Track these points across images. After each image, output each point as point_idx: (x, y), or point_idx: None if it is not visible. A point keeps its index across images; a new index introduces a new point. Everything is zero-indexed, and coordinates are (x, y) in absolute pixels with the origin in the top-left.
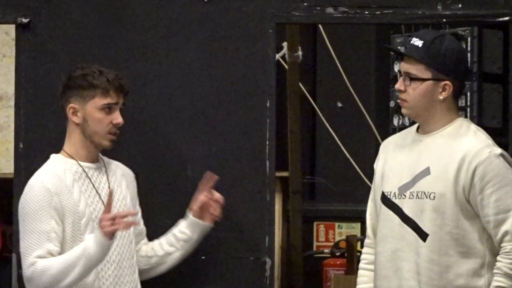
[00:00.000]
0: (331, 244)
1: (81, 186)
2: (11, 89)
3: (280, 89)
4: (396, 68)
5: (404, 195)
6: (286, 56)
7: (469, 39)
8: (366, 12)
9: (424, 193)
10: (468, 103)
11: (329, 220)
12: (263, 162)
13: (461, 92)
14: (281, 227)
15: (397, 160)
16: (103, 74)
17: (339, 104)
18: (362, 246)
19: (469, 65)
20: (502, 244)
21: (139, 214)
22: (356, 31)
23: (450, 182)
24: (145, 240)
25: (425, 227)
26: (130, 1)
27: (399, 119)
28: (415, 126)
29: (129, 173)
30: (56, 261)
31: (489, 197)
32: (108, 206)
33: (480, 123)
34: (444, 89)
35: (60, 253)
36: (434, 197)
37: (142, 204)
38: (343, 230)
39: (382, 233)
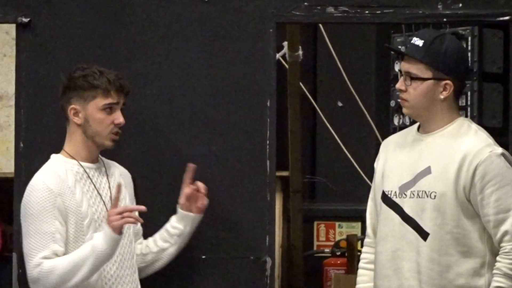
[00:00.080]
0: (332, 243)
1: (83, 186)
2: (11, 89)
3: (280, 88)
4: (396, 67)
5: (405, 194)
6: (287, 55)
7: (469, 38)
8: (367, 12)
9: (425, 192)
10: (469, 103)
11: (329, 220)
12: (263, 161)
13: (461, 92)
14: (281, 227)
15: (397, 160)
16: (103, 75)
17: (340, 104)
18: (362, 246)
19: (469, 64)
20: (502, 244)
21: (136, 213)
22: (357, 30)
23: (451, 182)
24: (141, 239)
25: (426, 226)
26: (130, 1)
27: (400, 118)
28: (416, 125)
29: (126, 173)
30: (63, 261)
31: (489, 196)
32: (116, 200)
33: (480, 123)
34: (444, 89)
35: (64, 254)
36: (435, 196)
37: (142, 204)
38: (344, 230)
39: (383, 233)
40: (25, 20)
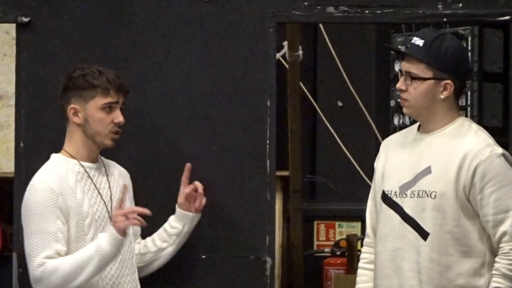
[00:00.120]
0: (332, 243)
1: (84, 186)
2: (11, 88)
3: (280, 88)
4: (396, 67)
5: (405, 194)
6: (287, 55)
7: (469, 38)
8: (367, 12)
9: (425, 192)
10: (469, 103)
11: (329, 219)
12: (263, 161)
13: (462, 92)
14: (281, 226)
15: (398, 159)
16: (102, 74)
17: (340, 103)
18: (362, 245)
19: (470, 64)
20: (501, 245)
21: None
22: (357, 30)
23: (451, 181)
24: (139, 239)
25: (426, 226)
26: (130, 1)
27: (400, 118)
28: (416, 125)
29: (125, 173)
30: (66, 261)
31: (488, 196)
32: (121, 201)
33: (480, 123)
34: (445, 88)
35: (67, 253)
36: (435, 196)
37: (142, 203)
38: (344, 229)
39: (383, 232)
40: (25, 19)
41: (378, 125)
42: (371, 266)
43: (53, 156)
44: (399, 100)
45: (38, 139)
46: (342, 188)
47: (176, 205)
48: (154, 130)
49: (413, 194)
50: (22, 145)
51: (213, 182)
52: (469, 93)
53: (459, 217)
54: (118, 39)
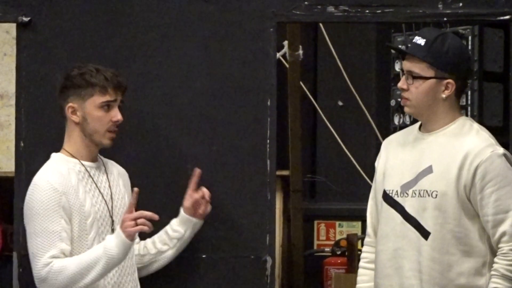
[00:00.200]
0: (332, 242)
1: (85, 186)
2: (12, 88)
3: (280, 88)
4: (396, 67)
5: (407, 194)
6: (287, 55)
7: (469, 38)
8: (367, 11)
9: (426, 191)
10: (469, 102)
11: (329, 219)
12: (263, 161)
13: (463, 91)
14: (281, 226)
15: (399, 159)
16: (100, 72)
17: (340, 103)
18: (363, 245)
19: (471, 63)
20: (500, 245)
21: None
22: (357, 30)
23: (452, 181)
24: (137, 239)
25: (427, 225)
26: (130, 0)
27: (400, 118)
28: (417, 124)
29: (124, 172)
30: (73, 262)
31: (489, 196)
32: (131, 206)
33: (480, 122)
34: (446, 88)
35: (71, 252)
36: (436, 195)
37: (141, 203)
38: (344, 229)
39: (384, 232)
40: (26, 19)
41: (378, 125)
42: (372, 266)
43: (54, 155)
44: (399, 99)
45: (38, 139)
46: (342, 188)
47: (181, 209)
48: (154, 129)
49: (414, 194)
50: (22, 144)
51: (213, 181)
52: (469, 92)
53: (460, 216)
54: (118, 39)
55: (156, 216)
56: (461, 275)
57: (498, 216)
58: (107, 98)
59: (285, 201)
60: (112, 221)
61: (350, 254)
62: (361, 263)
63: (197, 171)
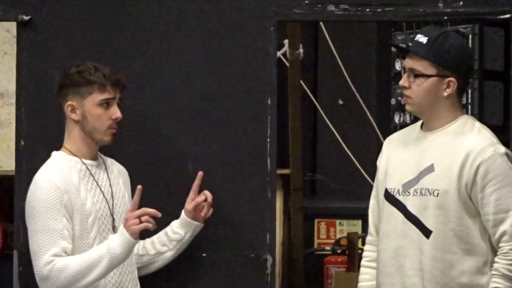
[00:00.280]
0: (332, 241)
1: (86, 184)
2: (12, 87)
3: (281, 86)
4: (397, 65)
5: (408, 192)
6: (287, 53)
7: (470, 36)
8: (367, 10)
9: (428, 190)
10: (469, 101)
11: (330, 218)
12: (264, 159)
13: (464, 90)
14: (282, 225)
15: (401, 157)
16: (98, 70)
17: (340, 102)
18: (363, 244)
19: (473, 62)
20: (500, 245)
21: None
22: (357, 28)
23: (454, 179)
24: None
25: (429, 224)
26: None
27: (400, 116)
28: (419, 123)
29: (124, 170)
30: (75, 260)
31: (489, 195)
32: (134, 204)
33: (481, 121)
34: (448, 86)
35: (72, 251)
36: (438, 194)
37: (142, 201)
38: (344, 228)
39: (385, 230)
40: (26, 18)
41: (378, 123)
42: (374, 264)
43: (54, 153)
44: (400, 98)
45: (39, 137)
46: (342, 186)
47: (182, 211)
48: (153, 128)
49: (416, 192)
50: (22, 143)
51: (214, 180)
52: (469, 91)
53: (462, 215)
54: (118, 38)
55: (159, 214)
56: (463, 273)
57: (498, 215)
58: (106, 95)
59: (285, 199)
60: (113, 219)
61: (350, 252)
62: (363, 262)
63: (200, 174)
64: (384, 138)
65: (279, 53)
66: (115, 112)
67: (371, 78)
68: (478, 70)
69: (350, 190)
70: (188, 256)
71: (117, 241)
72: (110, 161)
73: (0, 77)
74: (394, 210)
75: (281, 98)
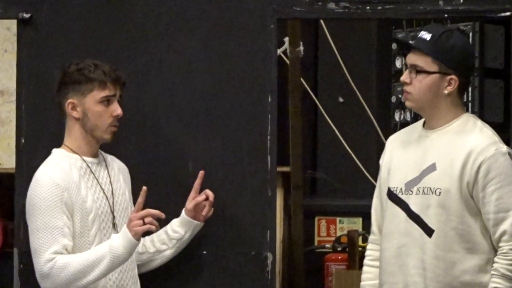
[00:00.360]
0: (333, 239)
1: (87, 181)
2: (12, 85)
3: (281, 84)
4: (397, 63)
5: (411, 191)
6: (288, 51)
7: (470, 34)
8: (368, 8)
9: (430, 189)
10: (470, 99)
11: (330, 215)
12: (264, 157)
13: (465, 88)
14: (282, 222)
15: (403, 156)
16: (98, 67)
17: (341, 99)
18: (363, 241)
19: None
20: (500, 244)
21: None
22: (358, 26)
23: (456, 178)
24: None
25: (431, 223)
26: None
27: (401, 114)
28: (421, 121)
29: (124, 167)
30: (76, 259)
31: (490, 194)
32: (139, 205)
33: (481, 119)
34: (449, 84)
35: (73, 248)
36: (440, 193)
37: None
38: (345, 225)
39: (388, 229)
40: (26, 16)
41: (379, 121)
42: (376, 263)
43: (55, 151)
44: (400, 96)
45: (39, 135)
46: (343, 184)
47: (183, 210)
48: (154, 126)
49: (419, 191)
50: (23, 141)
51: (214, 178)
52: (470, 89)
53: (463, 214)
54: (118, 35)
55: (163, 215)
56: (465, 272)
57: (499, 214)
58: (106, 92)
59: (285, 197)
60: (114, 216)
61: (350, 250)
62: (365, 261)
63: (201, 174)
64: (385, 136)
65: (279, 51)
66: (116, 109)
67: (372, 76)
68: (478, 68)
69: (351, 188)
70: (189, 253)
71: (119, 241)
72: (110, 158)
73: (1, 75)
74: (397, 209)
75: (282, 96)
